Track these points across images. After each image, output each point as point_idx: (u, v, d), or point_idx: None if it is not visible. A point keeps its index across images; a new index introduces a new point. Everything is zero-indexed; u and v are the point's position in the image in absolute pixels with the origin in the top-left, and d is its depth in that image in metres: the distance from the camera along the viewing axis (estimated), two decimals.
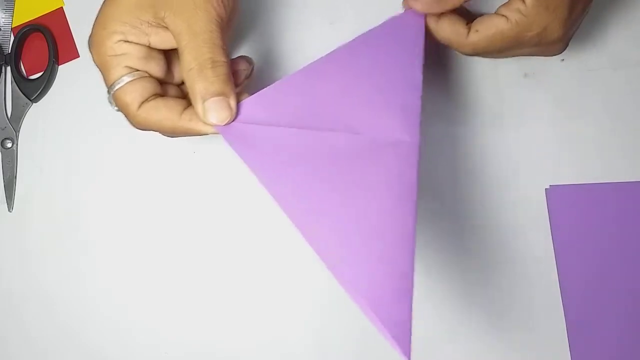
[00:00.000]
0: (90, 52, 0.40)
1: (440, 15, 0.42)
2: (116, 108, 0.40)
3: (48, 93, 0.52)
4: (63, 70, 0.52)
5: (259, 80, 0.50)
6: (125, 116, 0.40)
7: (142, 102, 0.39)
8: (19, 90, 0.51)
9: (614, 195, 0.48)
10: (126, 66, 0.39)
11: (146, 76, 0.39)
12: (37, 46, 0.52)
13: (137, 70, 0.39)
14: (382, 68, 0.42)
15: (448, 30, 0.42)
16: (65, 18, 0.52)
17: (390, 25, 0.43)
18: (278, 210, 0.48)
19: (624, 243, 0.47)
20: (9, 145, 0.51)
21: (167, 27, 0.38)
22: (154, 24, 0.39)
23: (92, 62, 0.51)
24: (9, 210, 0.50)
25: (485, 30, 0.41)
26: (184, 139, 0.49)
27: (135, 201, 0.49)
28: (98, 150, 0.50)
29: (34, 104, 0.51)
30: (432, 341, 0.46)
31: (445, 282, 0.47)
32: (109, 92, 0.39)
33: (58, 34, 0.52)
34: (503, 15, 0.41)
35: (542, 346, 0.46)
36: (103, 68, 0.39)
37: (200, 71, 0.36)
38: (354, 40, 0.42)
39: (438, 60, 0.49)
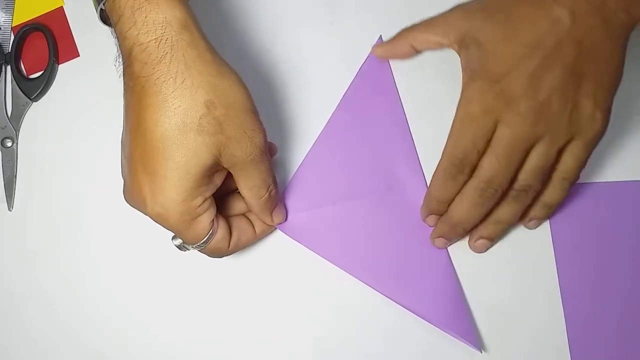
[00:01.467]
0: (160, 221, 0.39)
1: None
2: (192, 250, 0.42)
3: (48, 92, 0.51)
4: (63, 69, 0.52)
5: (259, 80, 0.50)
6: (214, 255, 0.43)
7: (229, 241, 0.43)
8: (19, 90, 0.51)
9: (614, 195, 0.48)
10: (211, 221, 0.40)
11: (219, 214, 0.42)
12: (37, 45, 0.52)
13: (216, 216, 0.41)
14: (374, 125, 0.48)
15: None
16: (66, 17, 0.52)
17: (363, 77, 0.49)
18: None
19: (624, 243, 0.47)
20: (9, 144, 0.51)
21: (229, 169, 0.40)
22: (219, 170, 0.40)
23: (92, 63, 0.52)
24: (9, 210, 0.50)
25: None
26: None
27: None
28: (98, 150, 0.50)
29: (34, 103, 0.51)
30: (435, 344, 0.46)
31: None
32: (190, 245, 0.41)
33: (58, 34, 0.52)
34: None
35: (543, 346, 0.46)
36: (183, 229, 0.40)
37: (268, 197, 0.42)
38: (340, 106, 0.49)
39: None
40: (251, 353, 0.47)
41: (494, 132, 0.41)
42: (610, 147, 0.48)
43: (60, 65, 0.52)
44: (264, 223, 0.45)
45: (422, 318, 0.45)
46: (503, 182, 0.42)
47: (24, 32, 0.52)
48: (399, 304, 0.46)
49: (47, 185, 0.50)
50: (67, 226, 0.49)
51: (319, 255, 0.46)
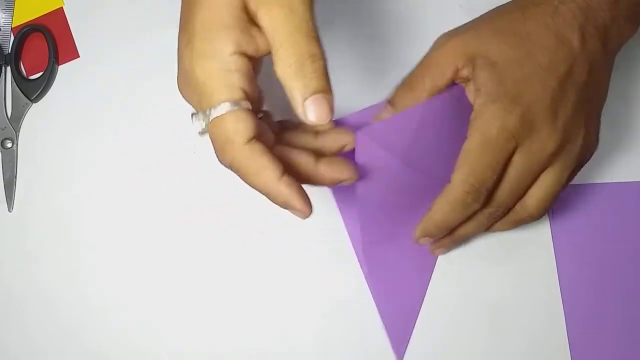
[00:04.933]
0: (188, 72, 0.33)
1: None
2: (201, 132, 0.34)
3: (48, 93, 0.52)
4: (63, 70, 0.52)
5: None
6: (220, 148, 0.34)
7: (250, 139, 0.33)
8: (19, 90, 0.51)
9: (614, 195, 0.48)
10: (241, 88, 0.33)
11: (252, 111, 0.34)
12: (37, 46, 0.52)
13: (247, 98, 0.34)
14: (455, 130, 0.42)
15: None
16: (65, 18, 0.52)
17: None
18: (278, 210, 0.48)
19: (624, 243, 0.47)
20: (9, 145, 0.51)
21: (259, 24, 0.33)
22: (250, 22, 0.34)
23: (92, 64, 0.52)
24: (9, 210, 0.50)
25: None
26: (183, 138, 0.49)
27: (135, 201, 0.49)
28: (98, 151, 0.50)
29: (34, 104, 0.51)
30: (431, 341, 0.46)
31: (444, 279, 0.47)
32: (205, 114, 0.33)
33: (58, 34, 0.52)
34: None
35: (543, 346, 0.46)
36: (205, 87, 0.33)
37: (299, 68, 0.32)
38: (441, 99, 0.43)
39: None
40: (251, 351, 0.47)
41: (511, 156, 0.39)
42: (610, 148, 0.48)
43: (60, 66, 0.52)
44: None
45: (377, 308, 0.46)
46: (510, 203, 0.41)
47: (23, 33, 0.52)
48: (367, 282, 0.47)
49: (47, 185, 0.50)
50: (67, 226, 0.49)
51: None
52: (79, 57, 0.52)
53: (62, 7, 0.53)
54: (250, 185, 0.34)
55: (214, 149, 0.34)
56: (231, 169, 0.34)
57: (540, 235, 0.47)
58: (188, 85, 0.34)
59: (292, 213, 0.35)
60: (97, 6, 0.52)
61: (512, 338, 0.46)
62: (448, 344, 0.46)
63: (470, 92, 0.40)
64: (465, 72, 0.40)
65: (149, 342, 0.47)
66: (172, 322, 0.48)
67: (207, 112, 0.33)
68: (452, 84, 0.41)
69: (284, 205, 0.34)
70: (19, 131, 0.51)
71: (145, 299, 0.48)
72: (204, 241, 0.48)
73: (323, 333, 0.47)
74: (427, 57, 0.41)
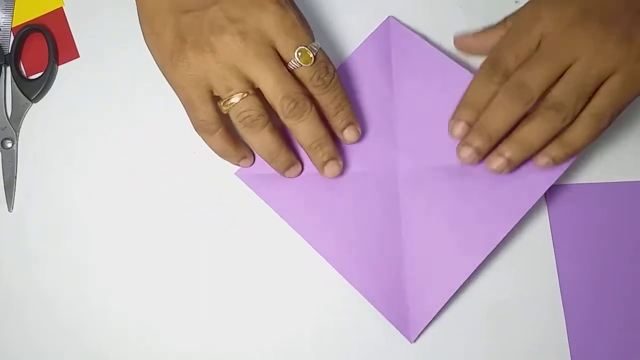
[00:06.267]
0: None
1: None
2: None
3: (48, 93, 0.52)
4: (63, 70, 0.52)
5: None
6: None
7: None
8: (19, 90, 0.51)
9: (614, 195, 0.48)
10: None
11: None
12: (37, 46, 0.52)
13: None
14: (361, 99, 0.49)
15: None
16: (65, 18, 0.53)
17: (367, 49, 0.49)
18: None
19: (624, 243, 0.47)
20: (9, 145, 0.51)
21: None
22: None
23: (92, 64, 0.51)
24: (9, 210, 0.50)
25: None
26: (183, 138, 0.49)
27: (135, 201, 0.49)
28: (98, 150, 0.50)
29: (34, 104, 0.51)
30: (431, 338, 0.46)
31: None
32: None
33: (58, 34, 0.52)
34: None
35: (543, 346, 0.46)
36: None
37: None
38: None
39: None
40: (252, 350, 0.47)
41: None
42: (610, 147, 0.48)
43: (60, 66, 0.52)
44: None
45: (360, 293, 0.45)
46: (533, 87, 0.42)
47: (23, 33, 0.52)
48: (341, 273, 0.46)
49: (47, 185, 0.50)
50: (67, 226, 0.49)
51: (275, 211, 0.47)
52: (79, 57, 0.52)
53: (62, 7, 0.53)
54: None
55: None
56: None
57: (540, 235, 0.47)
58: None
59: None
60: (97, 6, 0.52)
61: (512, 338, 0.46)
62: (448, 344, 0.46)
63: None
64: None
65: (149, 342, 0.47)
66: (172, 322, 0.48)
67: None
68: None
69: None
70: (19, 131, 0.51)
71: (146, 299, 0.48)
72: (204, 241, 0.48)
73: (323, 332, 0.47)
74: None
